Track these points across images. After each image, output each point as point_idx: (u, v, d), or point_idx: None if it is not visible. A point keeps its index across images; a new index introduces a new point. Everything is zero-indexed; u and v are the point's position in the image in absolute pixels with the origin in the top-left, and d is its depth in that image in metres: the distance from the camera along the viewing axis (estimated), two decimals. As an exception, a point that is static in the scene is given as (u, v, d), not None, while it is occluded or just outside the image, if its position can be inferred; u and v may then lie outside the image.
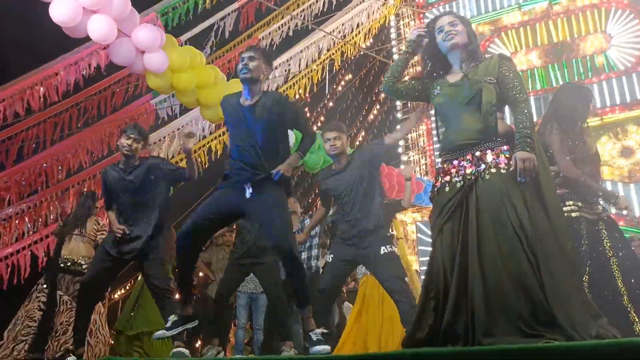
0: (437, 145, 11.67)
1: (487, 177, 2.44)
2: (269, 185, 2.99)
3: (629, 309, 3.00)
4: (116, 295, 10.97)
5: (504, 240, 2.31)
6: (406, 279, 4.15)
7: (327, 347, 3.01)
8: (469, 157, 2.53)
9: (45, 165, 6.78)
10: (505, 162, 2.44)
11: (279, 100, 3.17)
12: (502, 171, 2.43)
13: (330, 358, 3.12)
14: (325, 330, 3.17)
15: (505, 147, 2.48)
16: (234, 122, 3.20)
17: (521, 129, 2.44)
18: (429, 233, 11.40)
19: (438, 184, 2.62)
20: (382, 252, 3.73)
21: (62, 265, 4.95)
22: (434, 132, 11.81)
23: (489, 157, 2.48)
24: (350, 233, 3.81)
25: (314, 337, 3.07)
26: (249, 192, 3.00)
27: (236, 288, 5.21)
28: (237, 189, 3.04)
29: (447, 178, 2.57)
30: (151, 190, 3.80)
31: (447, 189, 2.55)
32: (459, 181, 2.52)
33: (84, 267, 4.97)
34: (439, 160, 2.71)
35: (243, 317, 5.85)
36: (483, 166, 2.47)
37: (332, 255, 3.94)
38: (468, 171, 2.50)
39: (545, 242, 2.30)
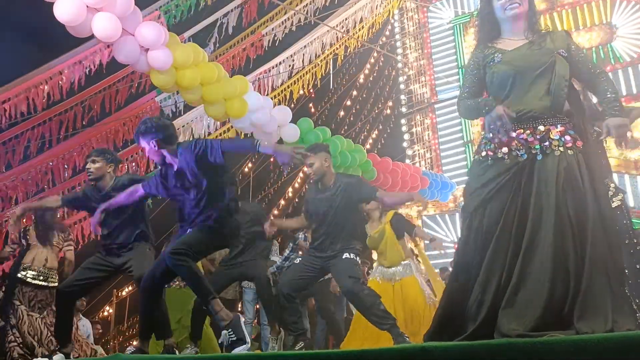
0: (444, 139, 11.73)
1: (552, 154, 2.27)
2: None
3: (630, 299, 2.99)
4: (124, 293, 11.05)
5: (560, 227, 2.18)
6: (364, 281, 4.27)
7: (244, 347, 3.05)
8: (530, 130, 2.33)
9: (51, 163, 6.81)
10: (571, 142, 2.28)
11: None
12: (569, 152, 2.27)
13: (334, 353, 3.13)
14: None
15: (569, 126, 2.32)
16: None
17: (607, 97, 2.30)
18: (434, 227, 11.38)
19: (489, 152, 2.37)
20: (344, 256, 3.79)
21: (20, 275, 4.71)
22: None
23: (554, 134, 2.29)
24: (318, 251, 3.91)
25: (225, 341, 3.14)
26: None
27: (220, 290, 5.21)
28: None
29: (505, 149, 2.32)
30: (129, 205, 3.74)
31: (502, 160, 2.32)
32: (520, 154, 2.31)
33: (49, 278, 4.81)
34: (486, 132, 2.42)
35: (250, 313, 5.87)
36: (547, 143, 2.29)
37: (300, 259, 4.07)
38: (531, 146, 2.30)
39: (595, 232, 2.17)
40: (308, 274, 3.94)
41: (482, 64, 2.52)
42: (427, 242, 5.48)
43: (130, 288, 10.85)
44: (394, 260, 4.99)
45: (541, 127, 2.32)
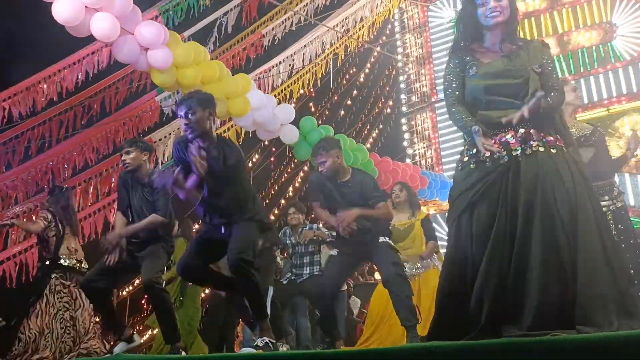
0: (445, 138, 11.72)
1: (531, 156, 2.31)
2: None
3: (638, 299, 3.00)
4: (124, 292, 11.04)
5: (550, 223, 2.20)
6: (406, 269, 4.25)
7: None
8: (512, 133, 2.38)
9: (51, 163, 6.81)
10: (554, 141, 2.34)
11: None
12: (552, 150, 2.32)
13: (338, 353, 3.12)
14: (272, 340, 3.13)
15: (551, 129, 2.39)
16: None
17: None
18: (435, 226, 11.34)
19: (469, 157, 2.43)
20: (380, 240, 3.76)
21: (68, 264, 4.72)
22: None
23: (535, 135, 2.35)
24: (349, 242, 3.83)
25: (260, 343, 3.11)
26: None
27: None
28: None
29: (487, 153, 2.35)
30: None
31: (484, 163, 2.37)
32: (502, 157, 2.35)
33: (81, 265, 4.82)
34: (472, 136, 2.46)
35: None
36: (530, 143, 2.33)
37: (336, 250, 3.93)
38: (513, 148, 2.34)
39: (588, 230, 2.19)
40: (349, 270, 3.93)
41: (463, 71, 2.55)
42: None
43: (130, 288, 10.84)
44: (419, 253, 5.03)
45: (522, 130, 2.37)
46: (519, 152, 2.34)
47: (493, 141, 2.38)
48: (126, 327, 3.77)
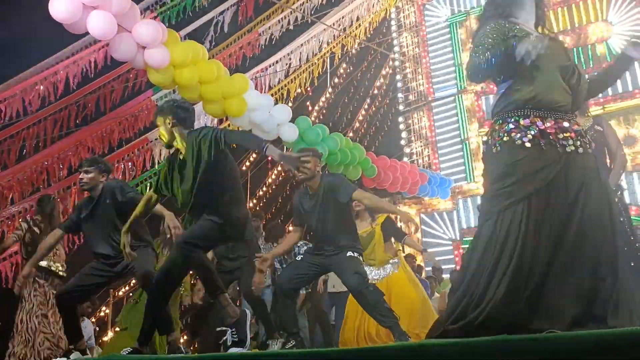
0: (442, 137, 11.74)
1: (584, 151, 2.17)
2: None
3: None
4: (120, 292, 11.02)
5: (591, 219, 2.09)
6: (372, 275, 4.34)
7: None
8: (566, 124, 2.17)
9: (46, 163, 6.79)
10: (588, 142, 2.22)
11: None
12: (589, 150, 2.20)
13: (333, 351, 3.12)
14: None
15: (579, 127, 2.26)
16: None
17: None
18: (432, 225, 11.34)
19: (521, 135, 2.14)
20: (347, 254, 3.78)
21: (54, 268, 4.83)
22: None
23: (574, 132, 2.19)
24: (316, 252, 3.90)
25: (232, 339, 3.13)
26: None
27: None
28: None
29: (538, 136, 2.13)
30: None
31: (538, 148, 2.13)
32: (557, 146, 2.14)
33: (58, 268, 4.90)
34: (522, 114, 2.20)
35: (249, 309, 5.84)
36: (579, 141, 2.18)
37: (301, 256, 4.03)
38: (571, 138, 2.15)
39: (620, 229, 2.16)
40: (309, 272, 3.92)
41: (505, 38, 2.24)
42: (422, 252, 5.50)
43: (127, 288, 10.82)
44: (383, 260, 5.00)
45: (565, 124, 2.19)
46: (575, 144, 2.16)
47: (550, 124, 2.16)
48: (82, 338, 3.78)
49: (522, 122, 2.18)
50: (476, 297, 2.10)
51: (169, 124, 3.23)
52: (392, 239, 5.21)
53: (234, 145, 3.29)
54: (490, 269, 2.11)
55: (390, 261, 5.03)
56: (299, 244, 5.59)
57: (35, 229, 4.86)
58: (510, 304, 2.05)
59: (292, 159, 2.94)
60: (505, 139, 2.19)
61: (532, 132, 2.14)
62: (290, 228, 4.53)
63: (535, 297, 2.07)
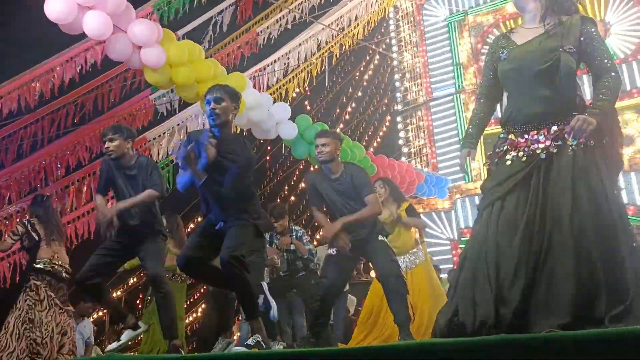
0: (440, 136, 11.73)
1: (565, 154, 2.24)
2: None
3: None
4: (119, 292, 11.01)
5: (581, 219, 2.15)
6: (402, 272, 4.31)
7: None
8: (544, 131, 2.28)
9: (44, 162, 6.77)
10: (584, 140, 2.23)
11: None
12: (582, 150, 2.23)
13: (335, 351, 3.11)
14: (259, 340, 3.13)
15: None
16: None
17: (596, 101, 2.24)
18: (430, 224, 11.35)
19: (501, 154, 2.38)
20: (379, 238, 3.84)
21: (51, 268, 4.73)
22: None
23: (567, 134, 2.24)
24: (352, 238, 3.84)
25: (252, 342, 3.12)
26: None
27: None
28: None
29: (516, 152, 2.32)
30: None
31: (514, 161, 2.31)
32: (531, 155, 2.29)
33: (66, 273, 4.85)
34: (504, 130, 2.43)
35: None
36: (561, 142, 2.25)
37: (334, 249, 3.91)
38: (542, 146, 2.26)
39: (620, 227, 2.16)
40: (347, 259, 3.89)
41: (494, 57, 2.45)
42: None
43: (125, 287, 10.81)
44: (406, 247, 5.06)
45: (554, 127, 2.27)
46: (550, 150, 2.26)
47: (524, 139, 2.31)
48: (129, 315, 3.77)
49: (502, 141, 2.41)
50: (468, 298, 2.21)
51: (234, 112, 3.22)
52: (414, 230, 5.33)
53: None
54: (474, 266, 2.26)
55: (412, 251, 5.09)
56: (313, 251, 5.61)
57: (34, 234, 4.79)
58: (489, 301, 2.14)
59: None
60: (494, 158, 2.45)
61: (510, 151, 2.35)
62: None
63: (520, 294, 2.12)
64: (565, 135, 2.25)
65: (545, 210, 2.21)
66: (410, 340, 3.56)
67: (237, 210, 3.18)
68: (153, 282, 3.70)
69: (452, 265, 9.86)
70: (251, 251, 3.25)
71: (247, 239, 3.18)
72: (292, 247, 5.41)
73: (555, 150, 2.25)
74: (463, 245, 10.20)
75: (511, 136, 2.38)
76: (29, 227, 4.83)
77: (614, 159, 2.32)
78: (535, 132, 2.30)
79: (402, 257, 5.04)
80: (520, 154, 2.30)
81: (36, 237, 4.78)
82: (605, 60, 2.30)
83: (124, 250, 3.75)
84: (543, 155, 2.26)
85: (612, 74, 2.28)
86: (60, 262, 4.80)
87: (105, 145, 3.75)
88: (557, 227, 2.17)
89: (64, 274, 4.82)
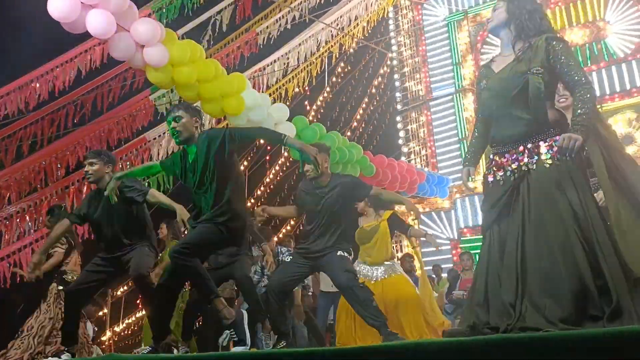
0: (440, 136, 11.75)
1: (540, 168, 2.41)
2: None
3: None
4: (119, 292, 11.02)
5: (558, 230, 2.31)
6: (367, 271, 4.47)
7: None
8: (521, 149, 2.48)
9: (44, 163, 6.77)
10: (569, 155, 2.35)
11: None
12: (557, 162, 2.39)
13: (329, 351, 3.12)
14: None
15: (557, 138, 2.40)
16: None
17: (575, 115, 2.35)
18: (430, 224, 11.35)
19: (491, 177, 2.60)
20: (338, 253, 3.83)
21: (68, 278, 4.84)
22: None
23: (542, 148, 2.43)
24: (310, 249, 3.90)
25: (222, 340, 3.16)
26: None
27: None
28: None
29: (501, 172, 2.54)
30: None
31: (500, 181, 2.53)
32: (512, 173, 2.49)
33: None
34: (491, 152, 2.64)
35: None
36: (536, 158, 2.44)
37: (290, 258, 4.02)
38: (522, 164, 2.46)
39: (599, 231, 2.29)
40: (298, 272, 3.96)
41: (479, 86, 2.70)
42: (422, 238, 5.46)
43: (125, 288, 10.81)
44: (379, 258, 4.96)
45: (530, 145, 2.47)
46: (528, 167, 2.45)
47: (505, 159, 2.52)
48: (77, 342, 3.81)
49: (489, 163, 2.64)
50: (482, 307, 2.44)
51: (195, 124, 3.24)
52: (394, 242, 5.24)
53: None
54: (485, 280, 2.50)
55: (386, 263, 5.00)
56: (282, 251, 5.63)
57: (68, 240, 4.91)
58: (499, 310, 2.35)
59: (311, 151, 3.07)
60: (486, 179, 2.67)
61: (496, 172, 2.56)
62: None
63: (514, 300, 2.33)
64: (541, 151, 2.43)
65: (528, 221, 2.40)
66: (395, 338, 3.56)
67: (208, 212, 3.24)
68: (135, 281, 3.71)
69: (452, 265, 9.86)
70: (202, 250, 3.26)
71: (202, 236, 3.18)
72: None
73: (533, 167, 2.43)
74: (464, 245, 10.22)
75: (496, 157, 2.59)
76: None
77: (602, 161, 2.44)
78: (514, 151, 2.50)
79: (376, 267, 4.98)
80: (504, 173, 2.52)
81: (72, 242, 4.93)
82: (574, 74, 2.42)
83: (115, 269, 3.80)
84: (522, 172, 2.46)
85: (584, 85, 2.40)
86: (73, 270, 4.92)
87: (85, 169, 3.82)
88: (540, 235, 2.34)
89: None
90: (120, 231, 3.74)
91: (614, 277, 2.20)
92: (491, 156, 2.61)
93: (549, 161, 2.40)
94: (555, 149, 2.39)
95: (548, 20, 2.58)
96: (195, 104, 3.68)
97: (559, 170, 2.37)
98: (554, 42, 2.45)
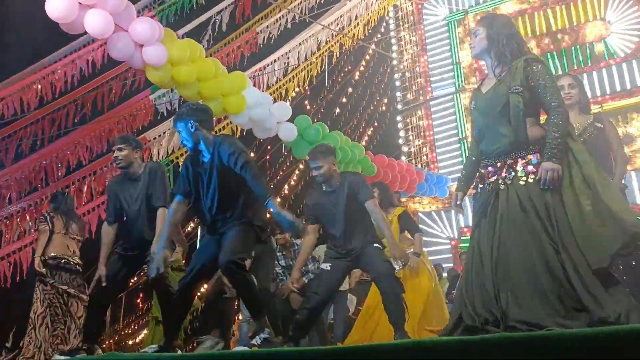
0: (440, 135, 11.75)
1: (516, 184, 2.60)
2: None
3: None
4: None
5: (530, 244, 2.50)
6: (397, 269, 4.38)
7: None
8: (500, 164, 2.69)
9: (44, 162, 6.78)
10: (533, 171, 2.57)
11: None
12: (530, 180, 2.57)
13: (333, 350, 3.12)
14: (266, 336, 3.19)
15: (534, 156, 2.60)
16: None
17: (550, 139, 2.53)
18: (430, 224, 11.38)
19: (478, 187, 2.84)
20: (374, 246, 3.88)
21: (56, 263, 4.86)
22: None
23: (519, 165, 2.63)
24: (345, 247, 3.91)
25: (257, 341, 3.19)
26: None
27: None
28: None
29: (481, 185, 2.79)
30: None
31: (482, 193, 2.77)
32: (489, 185, 2.72)
33: (73, 264, 4.96)
34: (481, 166, 2.90)
35: (246, 311, 5.84)
36: (513, 174, 2.63)
37: (329, 264, 3.95)
38: (499, 178, 2.67)
39: (567, 238, 2.44)
40: (341, 276, 3.98)
41: (471, 107, 2.92)
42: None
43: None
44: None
45: (510, 161, 2.66)
46: (504, 182, 2.66)
47: (488, 171, 2.74)
48: (97, 345, 3.80)
49: (477, 176, 2.87)
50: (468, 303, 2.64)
51: (192, 127, 3.25)
52: (407, 233, 5.24)
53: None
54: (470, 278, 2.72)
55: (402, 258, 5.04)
56: (297, 243, 5.58)
57: (50, 225, 4.91)
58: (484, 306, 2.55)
59: (289, 218, 3.02)
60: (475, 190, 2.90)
61: (479, 184, 2.82)
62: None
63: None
64: (518, 168, 2.63)
65: (502, 230, 2.61)
66: (406, 339, 3.58)
67: (233, 213, 3.32)
68: (155, 282, 3.70)
69: (452, 264, 9.86)
70: (258, 256, 3.33)
71: (246, 241, 3.25)
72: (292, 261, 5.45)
73: (509, 181, 2.63)
74: (464, 245, 10.22)
75: (481, 170, 2.81)
76: (48, 218, 4.95)
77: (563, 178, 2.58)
78: (496, 165, 2.70)
79: (393, 260, 5.01)
80: (485, 185, 2.75)
81: (51, 229, 4.90)
82: (549, 98, 2.57)
83: (133, 266, 3.85)
84: (499, 185, 2.67)
85: (558, 109, 2.56)
86: (68, 255, 4.91)
87: (114, 155, 3.83)
88: (514, 243, 2.55)
89: (77, 267, 4.96)
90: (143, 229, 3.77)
91: (580, 273, 2.37)
92: (480, 169, 2.84)
93: (524, 178, 2.59)
94: (530, 167, 2.59)
95: (525, 44, 2.81)
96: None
97: (531, 187, 2.55)
98: (533, 64, 2.62)
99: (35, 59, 6.80)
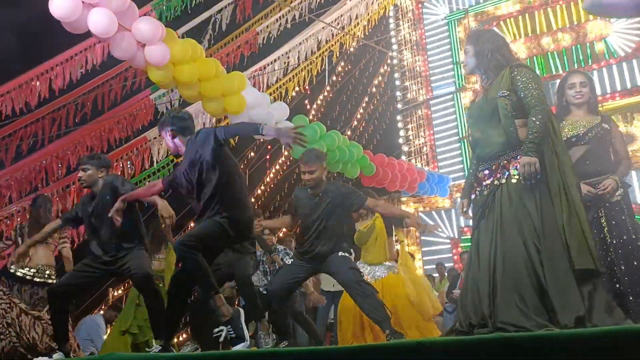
0: (440, 135, 11.76)
1: (509, 184, 2.73)
2: None
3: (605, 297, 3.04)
4: (120, 291, 11.01)
5: (520, 242, 2.61)
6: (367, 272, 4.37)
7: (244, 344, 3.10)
8: (494, 166, 2.83)
9: (44, 162, 6.78)
10: (532, 176, 2.67)
11: None
12: (522, 178, 2.67)
13: (332, 350, 3.12)
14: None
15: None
16: None
17: (528, 136, 2.67)
18: (431, 223, 11.36)
19: (475, 191, 2.95)
20: (339, 254, 3.88)
21: (20, 273, 4.66)
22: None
23: (512, 165, 2.76)
24: (307, 254, 3.96)
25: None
26: None
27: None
28: None
29: (479, 188, 2.91)
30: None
31: (480, 195, 2.89)
32: (486, 188, 2.85)
33: (47, 275, 4.78)
34: (478, 171, 3.02)
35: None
36: (507, 174, 2.77)
37: (292, 260, 4.07)
38: (495, 179, 2.81)
39: (550, 239, 2.56)
40: (301, 274, 4.01)
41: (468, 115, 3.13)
42: (424, 237, 5.47)
43: (125, 287, 10.80)
44: (379, 257, 4.97)
45: (503, 162, 2.79)
46: (498, 182, 2.78)
47: (484, 175, 2.88)
48: (69, 340, 3.77)
49: (475, 179, 3.00)
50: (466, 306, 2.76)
51: (170, 135, 3.33)
52: (393, 240, 5.21)
53: (233, 144, 3.32)
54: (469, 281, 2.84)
55: (386, 263, 5.00)
56: (279, 249, 5.62)
57: (20, 239, 4.76)
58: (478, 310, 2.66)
59: (286, 133, 3.00)
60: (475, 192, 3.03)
61: (476, 187, 2.94)
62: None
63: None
64: (510, 168, 2.75)
65: (499, 230, 2.72)
66: (400, 336, 3.59)
67: (207, 209, 3.31)
68: (142, 281, 3.68)
69: (452, 264, 9.87)
70: (207, 246, 3.29)
71: (205, 231, 3.22)
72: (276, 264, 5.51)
73: (503, 181, 2.76)
74: (464, 244, 10.21)
75: (478, 174, 2.93)
76: (18, 232, 4.85)
77: (550, 179, 2.68)
78: (491, 168, 2.84)
79: (376, 266, 4.99)
80: (483, 188, 2.88)
81: (20, 242, 4.70)
82: (529, 99, 2.72)
83: (105, 272, 3.80)
84: (495, 187, 2.80)
85: (536, 108, 2.70)
86: (26, 264, 4.67)
87: (79, 175, 3.83)
88: (509, 241, 2.66)
89: (30, 277, 4.72)
90: (116, 233, 3.71)
91: (552, 282, 2.50)
92: (478, 173, 2.96)
93: (516, 177, 2.70)
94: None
95: (511, 52, 3.00)
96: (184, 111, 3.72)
97: (524, 185, 2.66)
98: (516, 69, 2.79)
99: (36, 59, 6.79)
